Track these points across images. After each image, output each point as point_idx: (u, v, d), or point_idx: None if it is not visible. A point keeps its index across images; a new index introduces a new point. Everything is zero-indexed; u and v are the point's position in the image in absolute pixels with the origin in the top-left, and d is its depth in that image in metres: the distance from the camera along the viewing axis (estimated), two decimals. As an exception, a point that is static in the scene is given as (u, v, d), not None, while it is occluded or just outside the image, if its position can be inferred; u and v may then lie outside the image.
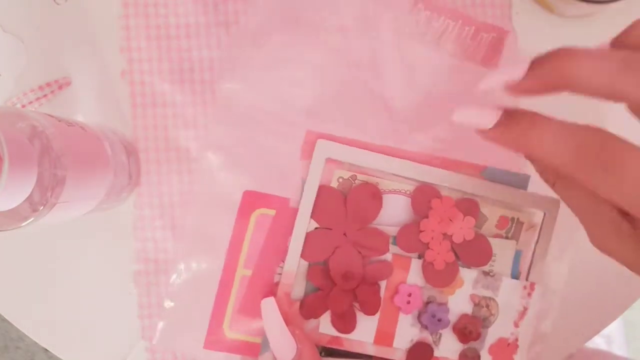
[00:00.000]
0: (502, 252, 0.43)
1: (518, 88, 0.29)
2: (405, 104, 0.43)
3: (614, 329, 1.13)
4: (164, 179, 0.47)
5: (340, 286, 0.42)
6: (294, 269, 0.42)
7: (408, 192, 0.42)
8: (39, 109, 0.46)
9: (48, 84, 0.46)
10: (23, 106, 0.46)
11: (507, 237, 0.43)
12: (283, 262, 0.42)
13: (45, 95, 0.46)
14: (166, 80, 0.46)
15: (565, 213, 0.42)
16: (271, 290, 0.43)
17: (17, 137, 0.31)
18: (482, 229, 0.43)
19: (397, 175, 0.42)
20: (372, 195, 0.42)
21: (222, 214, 0.43)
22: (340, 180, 0.42)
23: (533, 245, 0.43)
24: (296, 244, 0.41)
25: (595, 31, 0.47)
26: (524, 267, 0.43)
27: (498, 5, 0.46)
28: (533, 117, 0.28)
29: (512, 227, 0.43)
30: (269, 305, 0.40)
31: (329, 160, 0.42)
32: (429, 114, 0.42)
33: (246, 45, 0.42)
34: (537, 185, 0.43)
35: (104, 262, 0.47)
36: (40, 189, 0.32)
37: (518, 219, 0.43)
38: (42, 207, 0.32)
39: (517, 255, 0.43)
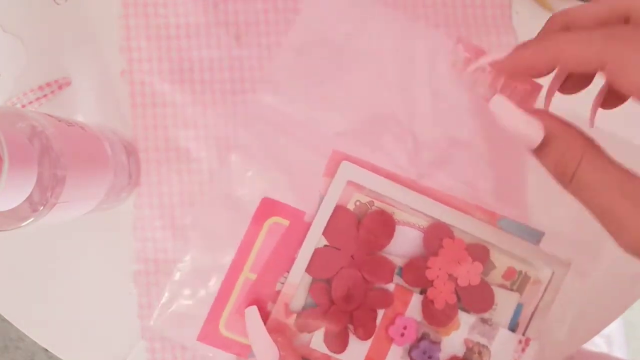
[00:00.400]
0: (504, 302, 0.43)
1: (507, 64, 0.30)
2: (430, 140, 0.43)
3: (614, 329, 1.13)
4: (164, 179, 0.47)
5: (339, 306, 0.42)
6: (297, 281, 0.42)
7: (421, 227, 0.43)
8: (38, 109, 0.46)
9: (48, 84, 0.46)
10: (23, 106, 0.46)
11: (511, 289, 0.43)
12: (288, 272, 0.42)
13: (45, 95, 0.46)
14: (166, 80, 0.46)
15: (574, 273, 0.42)
16: (272, 297, 0.43)
17: (17, 137, 0.31)
18: (489, 276, 0.43)
19: (413, 209, 0.42)
20: (386, 224, 0.42)
21: (238, 215, 0.43)
22: (358, 203, 0.42)
23: (536, 302, 0.43)
24: (304, 257, 0.41)
25: (595, 31, 0.47)
26: (523, 321, 0.43)
27: (498, 5, 0.46)
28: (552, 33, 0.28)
29: (518, 280, 0.43)
30: (252, 314, 0.41)
31: (350, 182, 0.42)
32: (453, 154, 0.43)
33: (289, 60, 0.43)
34: (550, 244, 0.43)
35: (104, 262, 0.47)
36: (40, 189, 0.32)
37: (526, 272, 0.43)
38: (42, 207, 0.32)
39: (519, 308, 0.43)
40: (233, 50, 0.47)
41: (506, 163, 0.43)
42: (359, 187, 0.42)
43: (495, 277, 0.43)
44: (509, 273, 0.43)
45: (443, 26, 0.46)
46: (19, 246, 0.46)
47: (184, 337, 0.45)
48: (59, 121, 0.36)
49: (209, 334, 0.44)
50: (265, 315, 0.42)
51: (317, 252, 0.42)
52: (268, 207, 0.43)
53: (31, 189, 0.32)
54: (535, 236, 0.43)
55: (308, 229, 0.42)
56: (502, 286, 0.43)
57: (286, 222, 0.42)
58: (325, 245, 0.42)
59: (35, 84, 0.46)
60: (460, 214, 0.42)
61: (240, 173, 0.44)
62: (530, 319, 0.43)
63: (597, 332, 0.47)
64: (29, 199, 0.32)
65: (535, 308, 0.43)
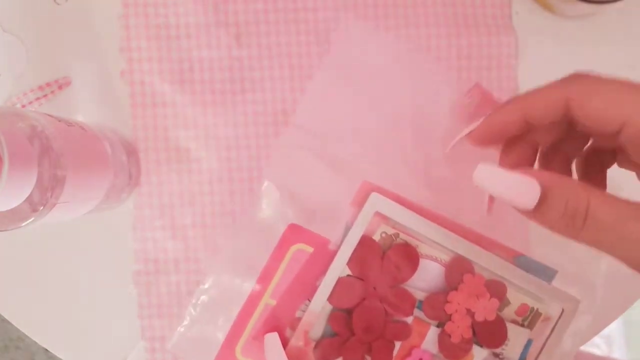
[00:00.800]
0: (515, 337, 0.43)
1: (481, 131, 0.31)
2: (449, 175, 0.43)
3: (614, 329, 1.13)
4: (164, 179, 0.47)
5: (359, 337, 0.42)
6: (318, 310, 0.42)
7: (443, 261, 0.43)
8: (38, 109, 0.46)
9: (48, 84, 0.46)
10: (23, 106, 0.46)
11: (522, 325, 0.44)
12: (309, 300, 0.42)
13: (45, 95, 0.46)
14: (166, 80, 0.46)
15: (581, 311, 0.43)
16: (291, 324, 0.43)
17: (17, 137, 0.31)
18: (503, 311, 0.44)
19: (436, 243, 0.43)
20: (410, 257, 0.42)
21: (263, 240, 0.44)
22: (383, 235, 0.43)
23: (545, 338, 0.44)
24: (326, 286, 0.41)
25: (595, 31, 0.47)
26: (531, 356, 0.44)
27: (498, 5, 0.46)
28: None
29: (529, 316, 0.44)
30: (272, 340, 0.41)
31: (377, 213, 0.42)
32: (470, 190, 0.43)
33: (319, 92, 0.43)
34: (561, 282, 0.44)
35: (103, 262, 0.47)
36: (40, 189, 0.32)
37: (537, 309, 0.44)
38: (42, 207, 0.33)
39: (528, 344, 0.44)
40: (233, 51, 0.47)
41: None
42: (386, 219, 0.43)
43: (509, 312, 0.44)
44: (522, 309, 0.44)
45: (443, 26, 0.46)
46: (19, 246, 0.47)
47: None
48: (59, 121, 0.36)
49: (225, 359, 0.44)
50: (284, 342, 0.42)
51: (340, 281, 0.42)
52: (294, 234, 0.43)
53: (31, 189, 0.32)
54: (548, 274, 0.44)
55: (332, 257, 0.42)
56: (514, 322, 0.44)
57: (310, 249, 0.42)
58: (349, 275, 0.42)
59: (35, 84, 0.46)
60: (480, 250, 0.43)
61: (269, 199, 0.44)
62: (539, 354, 0.44)
63: (597, 332, 0.47)
64: (29, 199, 0.32)
65: (544, 344, 0.44)
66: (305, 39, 0.47)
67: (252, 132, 0.47)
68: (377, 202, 0.42)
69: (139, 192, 0.47)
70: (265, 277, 0.43)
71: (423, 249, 0.43)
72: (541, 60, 0.47)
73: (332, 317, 0.42)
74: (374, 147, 0.44)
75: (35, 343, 0.47)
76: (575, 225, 0.26)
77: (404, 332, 0.42)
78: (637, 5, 0.46)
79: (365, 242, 0.42)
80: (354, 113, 0.44)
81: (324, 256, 0.42)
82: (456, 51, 0.46)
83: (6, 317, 0.47)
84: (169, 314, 0.46)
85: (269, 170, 0.44)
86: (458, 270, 0.43)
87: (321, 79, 0.44)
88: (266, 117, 0.47)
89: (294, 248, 0.42)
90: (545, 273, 0.43)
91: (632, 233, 0.25)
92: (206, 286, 0.45)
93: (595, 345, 1.11)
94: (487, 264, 0.43)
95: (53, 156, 0.33)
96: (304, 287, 0.42)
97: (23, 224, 0.33)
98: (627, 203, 0.26)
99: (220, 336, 0.44)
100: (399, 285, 0.43)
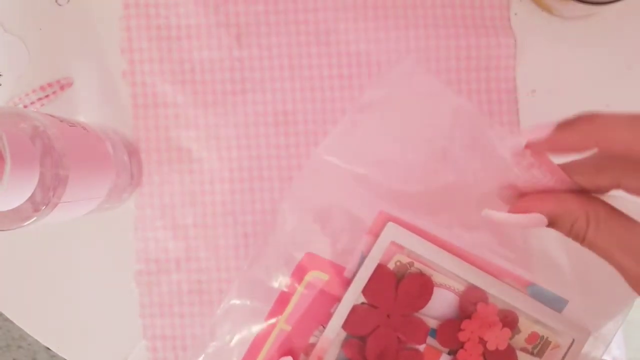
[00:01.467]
0: None
1: (546, 145, 0.32)
2: (464, 208, 0.44)
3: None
4: (165, 179, 0.47)
5: None
6: (332, 336, 0.42)
7: (457, 290, 0.43)
8: (40, 109, 0.46)
9: (50, 85, 0.46)
10: (25, 106, 0.46)
11: (532, 353, 0.44)
12: (323, 326, 0.42)
13: (47, 96, 0.46)
14: (167, 81, 0.47)
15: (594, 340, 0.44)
16: (305, 350, 0.43)
17: (19, 137, 0.32)
18: (513, 340, 0.44)
19: (451, 272, 0.43)
20: (425, 286, 0.43)
21: (281, 266, 0.44)
22: (398, 263, 0.43)
23: None
24: (341, 313, 0.42)
25: (594, 32, 0.47)
26: None
27: (497, 6, 0.47)
28: (597, 115, 0.30)
29: (539, 344, 0.44)
30: None
31: (393, 243, 0.43)
32: (486, 223, 0.44)
33: (355, 113, 0.43)
34: (572, 312, 0.44)
35: (105, 262, 0.47)
36: (42, 188, 0.32)
37: (547, 337, 0.44)
38: (44, 207, 0.33)
39: None
40: (234, 51, 0.47)
41: (535, 231, 0.44)
42: (401, 248, 0.43)
43: (519, 340, 0.44)
44: (532, 337, 0.44)
45: (442, 27, 0.46)
46: (21, 246, 0.47)
47: None
48: (61, 121, 0.36)
49: None
50: None
51: (354, 309, 0.42)
52: (311, 262, 0.43)
53: (33, 188, 0.32)
54: (560, 303, 0.44)
55: (347, 284, 0.42)
56: (524, 349, 0.44)
57: (326, 277, 0.43)
58: (363, 303, 0.43)
59: (37, 85, 0.47)
60: (494, 280, 0.43)
61: (287, 225, 0.44)
62: None
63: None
64: (31, 198, 0.32)
65: None
66: (305, 39, 0.47)
67: (253, 133, 0.47)
68: (393, 232, 0.42)
69: (140, 192, 0.47)
70: (280, 303, 0.43)
71: (437, 277, 0.43)
72: (540, 61, 0.47)
73: (346, 344, 0.43)
74: (397, 180, 0.44)
75: (37, 342, 0.48)
76: (578, 241, 0.31)
77: (416, 359, 0.43)
78: (634, 6, 0.46)
79: (380, 270, 0.43)
80: (382, 145, 0.44)
81: (339, 284, 0.43)
82: (455, 52, 0.46)
83: (8, 316, 0.47)
84: (170, 313, 0.47)
85: (290, 195, 0.45)
86: (472, 299, 0.43)
87: (356, 112, 0.44)
88: (267, 118, 0.47)
89: (310, 275, 0.43)
90: (556, 302, 0.44)
91: (617, 259, 0.29)
92: (226, 304, 0.45)
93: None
94: (500, 293, 0.43)
95: (55, 156, 0.33)
96: (319, 314, 0.43)
97: (25, 224, 0.33)
98: (619, 225, 0.30)
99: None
100: (413, 314, 0.43)
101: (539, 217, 0.31)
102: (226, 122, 0.47)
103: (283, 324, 0.43)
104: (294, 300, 0.43)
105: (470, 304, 0.43)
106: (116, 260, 0.47)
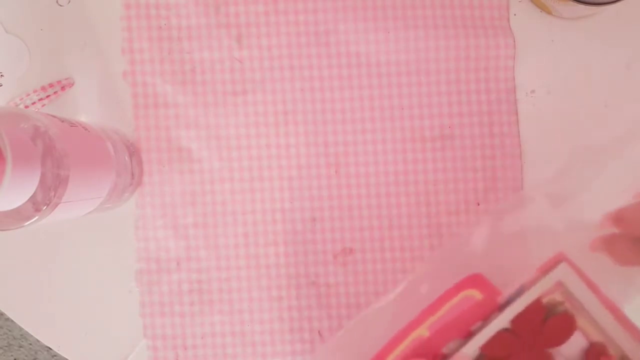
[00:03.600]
0: None
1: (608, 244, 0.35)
2: None
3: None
4: (166, 179, 0.47)
5: None
6: (469, 353, 0.43)
7: (590, 337, 0.44)
8: (41, 109, 0.46)
9: (51, 85, 0.47)
10: (26, 107, 0.46)
11: None
12: (458, 339, 0.43)
13: (48, 96, 0.47)
14: (168, 81, 0.47)
15: None
16: (435, 357, 0.43)
17: (20, 137, 0.32)
18: None
19: (597, 323, 0.44)
20: (570, 327, 0.43)
21: (448, 277, 0.44)
22: (552, 300, 0.43)
23: None
24: (485, 335, 0.42)
25: (593, 32, 0.47)
26: None
27: (496, 7, 0.47)
28: None
29: None
30: None
31: (558, 282, 0.43)
32: None
33: None
34: None
35: (106, 261, 0.47)
36: (43, 188, 0.33)
37: None
38: (45, 207, 0.33)
39: None
40: (234, 52, 0.47)
41: None
42: (560, 287, 0.43)
43: None
44: None
45: (442, 27, 0.46)
46: (22, 245, 0.47)
47: None
48: (62, 121, 0.37)
49: None
50: None
51: (498, 333, 0.43)
52: (474, 281, 0.43)
53: (34, 188, 0.32)
54: None
55: (496, 308, 0.43)
56: None
57: (480, 297, 0.43)
58: (506, 329, 0.43)
59: (38, 85, 0.47)
60: (628, 336, 0.43)
61: (464, 246, 0.45)
62: None
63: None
64: (32, 198, 0.32)
65: None
66: (305, 40, 0.47)
67: (253, 133, 0.47)
68: (562, 273, 0.43)
69: (141, 192, 0.47)
70: (429, 310, 0.44)
71: (579, 321, 0.44)
72: (539, 61, 0.47)
73: None
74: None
75: (38, 341, 0.48)
76: None
77: None
78: (633, 6, 0.46)
79: (535, 304, 0.43)
80: None
81: (490, 306, 0.43)
82: (455, 52, 0.46)
83: (9, 315, 0.47)
84: (171, 312, 0.47)
85: (485, 220, 0.45)
86: (598, 352, 0.44)
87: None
88: (267, 118, 0.47)
89: (467, 292, 0.43)
90: None
91: None
92: (382, 303, 0.45)
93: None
94: (624, 345, 0.44)
95: (56, 156, 0.33)
96: (459, 328, 0.43)
97: (26, 224, 0.33)
98: None
99: (368, 355, 0.44)
100: (547, 350, 0.44)
101: None
102: (226, 122, 0.47)
103: (424, 329, 0.43)
104: (441, 311, 0.44)
105: (596, 355, 0.44)
106: (117, 259, 0.47)
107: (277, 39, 0.47)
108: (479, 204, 0.47)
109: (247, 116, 0.47)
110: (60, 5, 0.47)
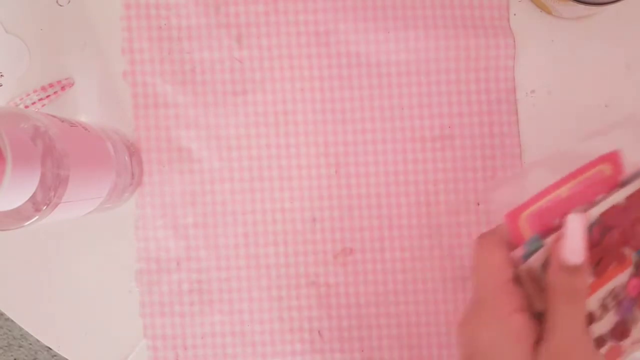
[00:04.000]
0: None
1: None
2: None
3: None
4: (166, 179, 0.47)
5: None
6: (594, 215, 0.43)
7: None
8: (41, 109, 0.46)
9: (51, 85, 0.47)
10: (26, 107, 0.46)
11: None
12: (586, 205, 0.43)
13: (48, 96, 0.47)
14: (168, 81, 0.47)
15: None
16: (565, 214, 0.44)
17: (20, 137, 0.32)
18: None
19: None
20: None
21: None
22: None
23: None
24: (604, 205, 0.43)
25: (593, 32, 0.47)
26: None
27: (496, 7, 0.47)
28: None
29: None
30: (577, 221, 0.41)
31: None
32: None
33: None
34: None
35: (106, 261, 0.47)
36: (43, 188, 0.33)
37: None
38: (45, 207, 0.33)
39: None
40: (234, 52, 0.47)
41: None
42: None
43: None
44: None
45: (442, 27, 0.46)
46: (22, 245, 0.47)
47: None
48: (62, 121, 0.37)
49: (514, 216, 0.43)
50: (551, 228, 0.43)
51: (614, 205, 0.44)
52: (610, 157, 0.44)
53: (34, 188, 0.32)
54: None
55: (618, 185, 0.44)
56: None
57: (609, 172, 0.44)
58: (620, 204, 0.44)
59: (38, 85, 0.47)
60: None
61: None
62: None
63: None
64: (32, 198, 0.32)
65: None
66: (305, 40, 0.47)
67: (253, 133, 0.47)
68: None
69: (141, 192, 0.47)
70: (571, 176, 0.45)
71: None
72: (539, 61, 0.47)
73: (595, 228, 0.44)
74: None
75: (38, 341, 0.48)
76: None
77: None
78: (633, 6, 0.46)
79: None
80: None
81: (615, 182, 0.44)
82: (455, 52, 0.46)
83: (9, 315, 0.47)
84: (171, 312, 0.47)
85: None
86: None
87: None
88: (267, 118, 0.47)
89: (601, 167, 0.45)
90: None
91: None
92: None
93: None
94: None
95: (56, 156, 0.33)
96: (587, 196, 0.45)
97: (26, 224, 0.33)
98: None
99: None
100: None
101: None
102: (226, 122, 0.47)
103: (565, 189, 0.45)
104: (582, 177, 0.45)
105: None
106: (117, 259, 0.47)
107: (277, 39, 0.47)
108: (479, 204, 0.47)
109: (247, 116, 0.47)
110: (60, 5, 0.47)
